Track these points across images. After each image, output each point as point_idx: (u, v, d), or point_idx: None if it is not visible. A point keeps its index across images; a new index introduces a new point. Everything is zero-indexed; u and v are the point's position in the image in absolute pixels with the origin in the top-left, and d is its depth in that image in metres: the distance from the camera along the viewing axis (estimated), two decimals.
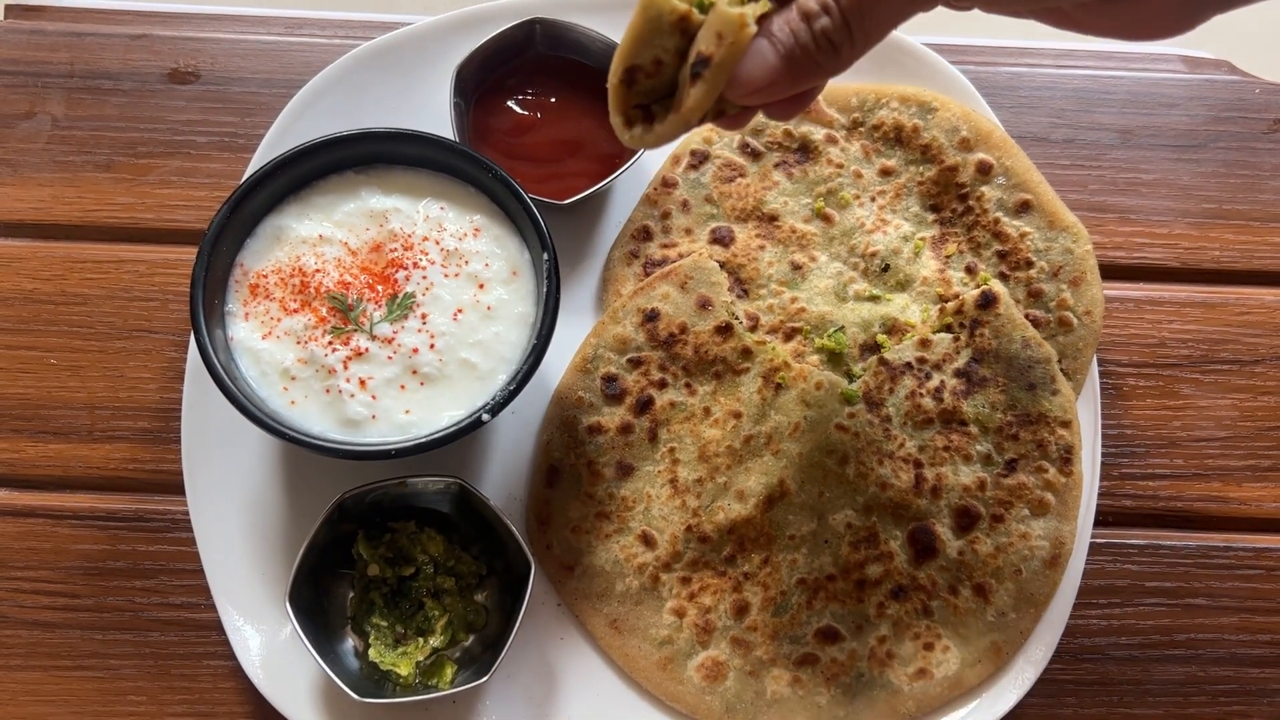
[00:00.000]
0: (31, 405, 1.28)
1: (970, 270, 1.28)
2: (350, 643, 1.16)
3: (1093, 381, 1.26)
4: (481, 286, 1.16)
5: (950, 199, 1.31)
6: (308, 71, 1.36)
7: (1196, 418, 1.33)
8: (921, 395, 1.21)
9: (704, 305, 1.24)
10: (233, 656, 1.15)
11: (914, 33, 1.33)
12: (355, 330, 1.12)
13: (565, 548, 1.20)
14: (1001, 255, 1.28)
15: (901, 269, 1.28)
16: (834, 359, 1.24)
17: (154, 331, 1.31)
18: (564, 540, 1.20)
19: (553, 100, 1.31)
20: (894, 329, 1.25)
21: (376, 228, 1.17)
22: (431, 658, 1.14)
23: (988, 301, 1.22)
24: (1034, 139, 1.43)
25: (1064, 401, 1.21)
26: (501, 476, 1.25)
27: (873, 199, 1.32)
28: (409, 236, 1.17)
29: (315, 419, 1.10)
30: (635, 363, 1.23)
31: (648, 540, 1.19)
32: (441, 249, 1.16)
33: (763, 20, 0.78)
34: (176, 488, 1.21)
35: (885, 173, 1.33)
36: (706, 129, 1.34)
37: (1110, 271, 1.35)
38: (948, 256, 1.29)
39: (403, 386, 1.11)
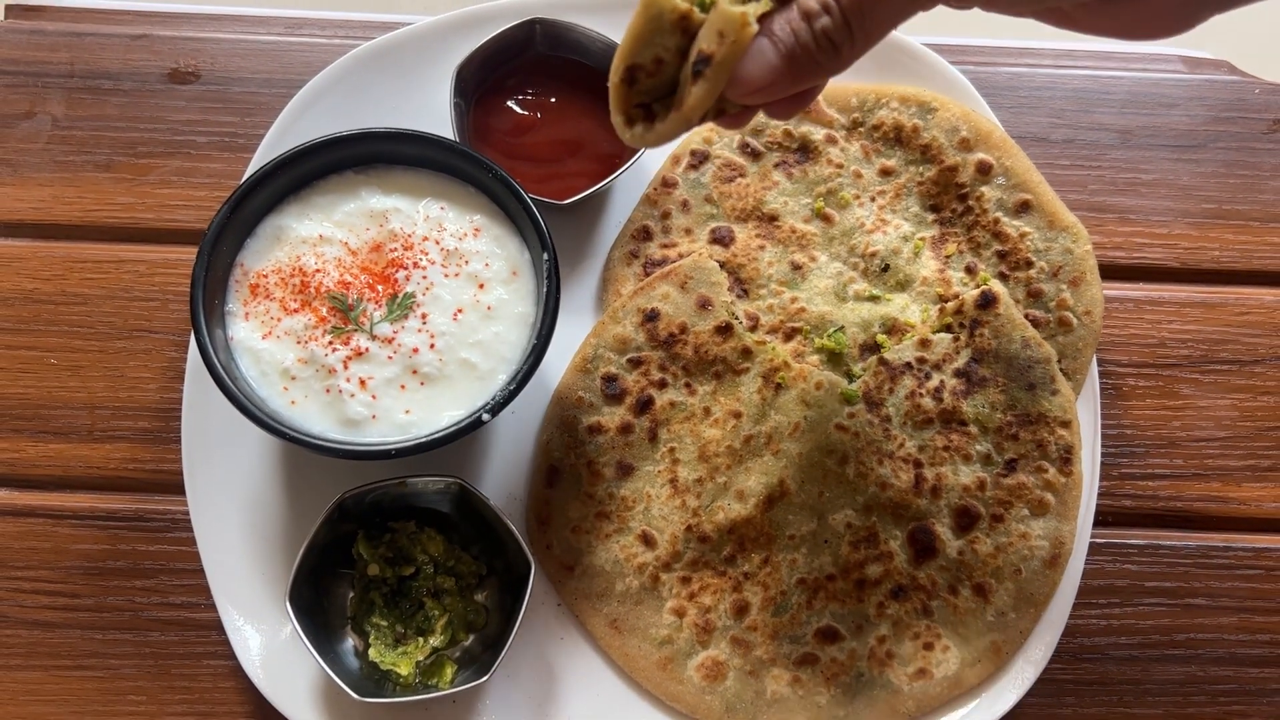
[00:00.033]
0: (31, 405, 1.28)
1: (970, 270, 1.28)
2: (350, 642, 1.16)
3: (1092, 381, 1.26)
4: (481, 286, 1.16)
5: (950, 199, 1.31)
6: (308, 71, 1.36)
7: (1196, 418, 1.33)
8: (921, 395, 1.21)
9: (704, 305, 1.24)
10: (233, 656, 1.15)
11: (914, 33, 1.33)
12: (355, 330, 1.12)
13: (565, 547, 1.20)
14: (1001, 255, 1.28)
15: (901, 269, 1.28)
16: (834, 359, 1.24)
17: (154, 331, 1.31)
18: (564, 540, 1.20)
19: (553, 100, 1.31)
20: (894, 329, 1.25)
21: (376, 228, 1.17)
22: (431, 657, 1.14)
23: (987, 301, 1.22)
24: (1034, 139, 1.43)
25: (1064, 401, 1.21)
26: (501, 476, 1.25)
27: (873, 199, 1.32)
28: (409, 236, 1.17)
29: (315, 419, 1.10)
30: (635, 363, 1.24)
31: (648, 540, 1.19)
32: (441, 249, 1.16)
33: (763, 19, 0.78)
34: (176, 488, 1.21)
35: (885, 173, 1.33)
36: (706, 129, 1.34)
37: (1110, 271, 1.36)
38: (947, 256, 1.29)
39: (403, 386, 1.11)
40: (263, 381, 1.11)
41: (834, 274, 1.29)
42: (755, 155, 1.34)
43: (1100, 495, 1.26)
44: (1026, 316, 1.25)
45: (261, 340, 1.12)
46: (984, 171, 1.30)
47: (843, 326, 1.25)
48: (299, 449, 1.11)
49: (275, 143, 1.30)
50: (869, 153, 1.34)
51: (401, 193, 1.20)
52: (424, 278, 1.15)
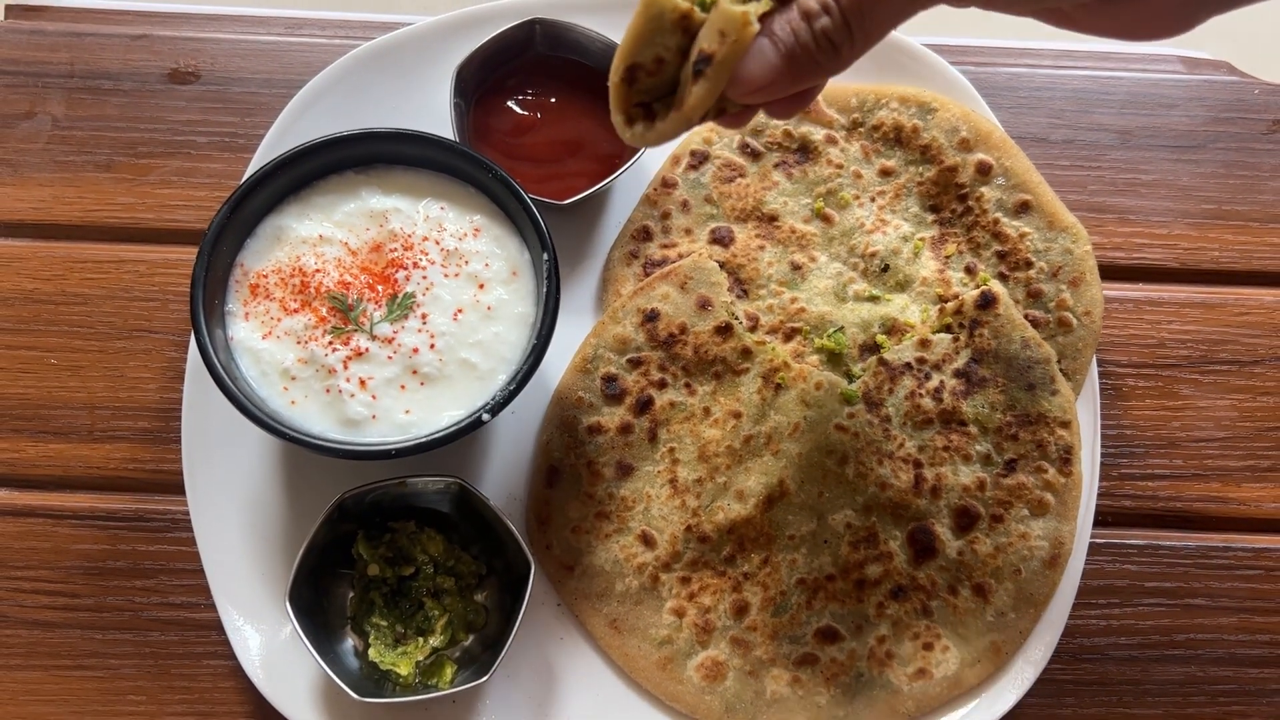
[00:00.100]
0: (31, 405, 1.28)
1: (970, 270, 1.28)
2: (350, 642, 1.16)
3: (1092, 382, 1.26)
4: (481, 286, 1.16)
5: (950, 199, 1.31)
6: (308, 72, 1.36)
7: (1196, 418, 1.33)
8: (921, 395, 1.21)
9: (704, 305, 1.24)
10: (233, 656, 1.15)
11: (914, 33, 1.33)
12: (355, 330, 1.12)
13: (565, 548, 1.20)
14: (1001, 255, 1.28)
15: (901, 269, 1.28)
16: (834, 359, 1.24)
17: (154, 331, 1.31)
18: (564, 540, 1.20)
19: (553, 100, 1.31)
20: (893, 329, 1.25)
21: (377, 228, 1.17)
22: (431, 657, 1.14)
23: (987, 302, 1.22)
24: (1033, 139, 1.43)
25: (1063, 402, 1.22)
26: (501, 476, 1.25)
27: (872, 199, 1.32)
28: (409, 236, 1.17)
29: (315, 419, 1.10)
30: (635, 363, 1.24)
31: (647, 540, 1.19)
32: (441, 249, 1.16)
33: (764, 19, 0.78)
34: (176, 488, 1.21)
35: (885, 173, 1.33)
36: (706, 129, 1.34)
37: (1109, 272, 1.36)
38: (947, 257, 1.29)
39: (403, 386, 1.11)
40: (263, 381, 1.11)
41: (834, 274, 1.29)
42: (755, 155, 1.34)
43: (1100, 495, 1.26)
44: (1026, 317, 1.25)
45: (261, 340, 1.12)
46: (984, 172, 1.30)
47: (842, 327, 1.25)
48: (299, 449, 1.11)
49: (275, 143, 1.30)
50: (869, 153, 1.34)
51: (401, 193, 1.20)
52: (424, 278, 1.15)
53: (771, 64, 0.78)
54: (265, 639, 1.16)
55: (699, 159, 1.33)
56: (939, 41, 1.42)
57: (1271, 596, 1.26)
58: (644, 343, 1.24)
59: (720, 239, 1.30)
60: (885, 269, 1.28)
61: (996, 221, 1.29)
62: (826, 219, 1.31)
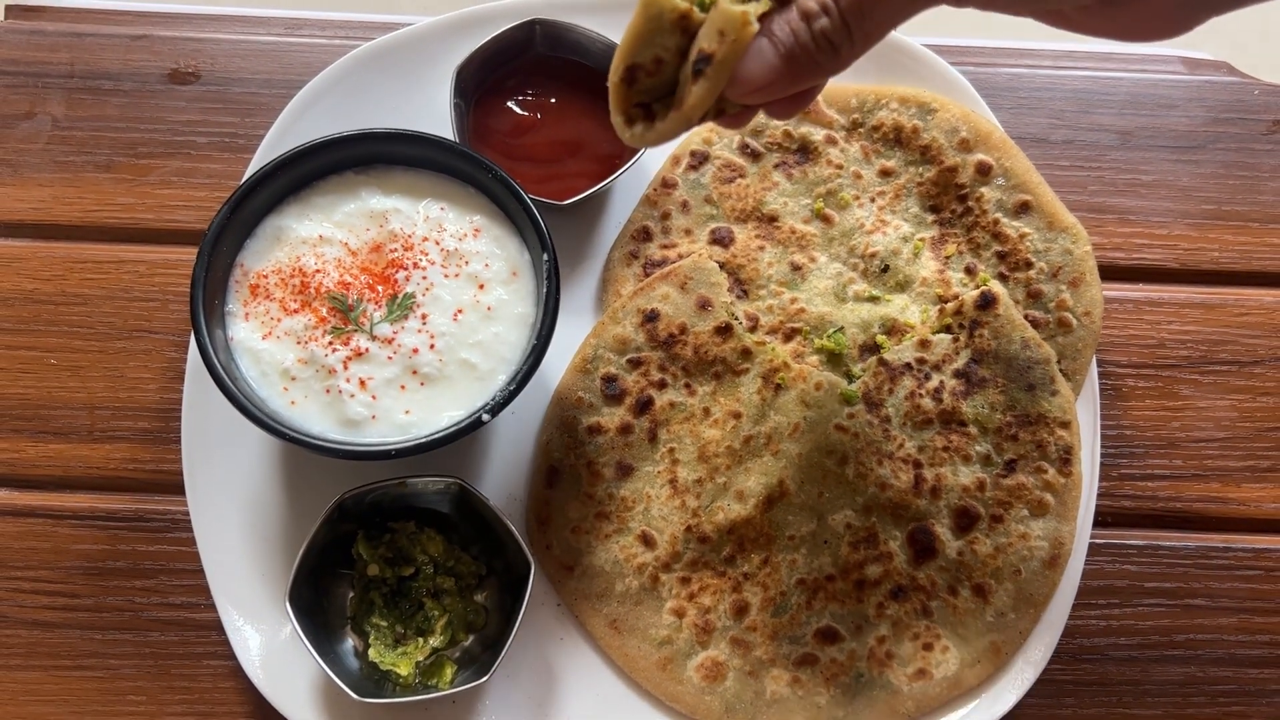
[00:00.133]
0: (31, 405, 1.28)
1: (970, 271, 1.28)
2: (350, 643, 1.16)
3: (1092, 382, 1.26)
4: (481, 287, 1.16)
5: (950, 200, 1.31)
6: (308, 72, 1.36)
7: (1195, 418, 1.33)
8: (921, 396, 1.21)
9: (704, 306, 1.24)
10: (233, 656, 1.16)
11: (914, 33, 1.33)
12: (355, 330, 1.12)
13: (565, 548, 1.20)
14: (1001, 256, 1.28)
15: (901, 270, 1.28)
16: (833, 359, 1.24)
17: (154, 331, 1.31)
18: (564, 540, 1.20)
19: (553, 101, 1.31)
20: (893, 329, 1.25)
21: (376, 228, 1.17)
22: (431, 658, 1.14)
23: (987, 302, 1.22)
24: (1033, 140, 1.43)
25: (1063, 402, 1.22)
26: (501, 477, 1.25)
27: (872, 200, 1.32)
28: (409, 237, 1.17)
29: (315, 419, 1.10)
30: (635, 363, 1.24)
31: (647, 540, 1.19)
32: (441, 249, 1.16)
33: (763, 19, 0.79)
34: (176, 488, 1.21)
35: (885, 173, 1.33)
36: (706, 129, 1.34)
37: (1109, 272, 1.36)
38: (947, 257, 1.29)
39: (403, 387, 1.11)
40: (263, 382, 1.11)
41: (834, 275, 1.29)
42: (755, 156, 1.34)
43: (1100, 496, 1.26)
44: (1026, 317, 1.25)
45: (261, 340, 1.12)
46: (984, 172, 1.30)
47: (842, 327, 1.25)
48: (299, 449, 1.11)
49: (275, 143, 1.30)
50: (869, 153, 1.34)
51: (401, 193, 1.20)
52: (424, 278, 1.15)
53: (771, 64, 0.78)
54: (265, 639, 1.16)
55: (699, 159, 1.33)
56: (939, 42, 1.42)
57: (1271, 597, 1.26)
58: (644, 343, 1.24)
59: (720, 239, 1.30)
60: (885, 269, 1.28)
61: (996, 222, 1.29)
62: (826, 219, 1.31)
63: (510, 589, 1.16)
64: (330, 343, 1.11)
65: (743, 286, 1.29)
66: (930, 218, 1.31)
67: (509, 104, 1.31)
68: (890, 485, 1.18)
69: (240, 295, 1.14)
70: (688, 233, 1.31)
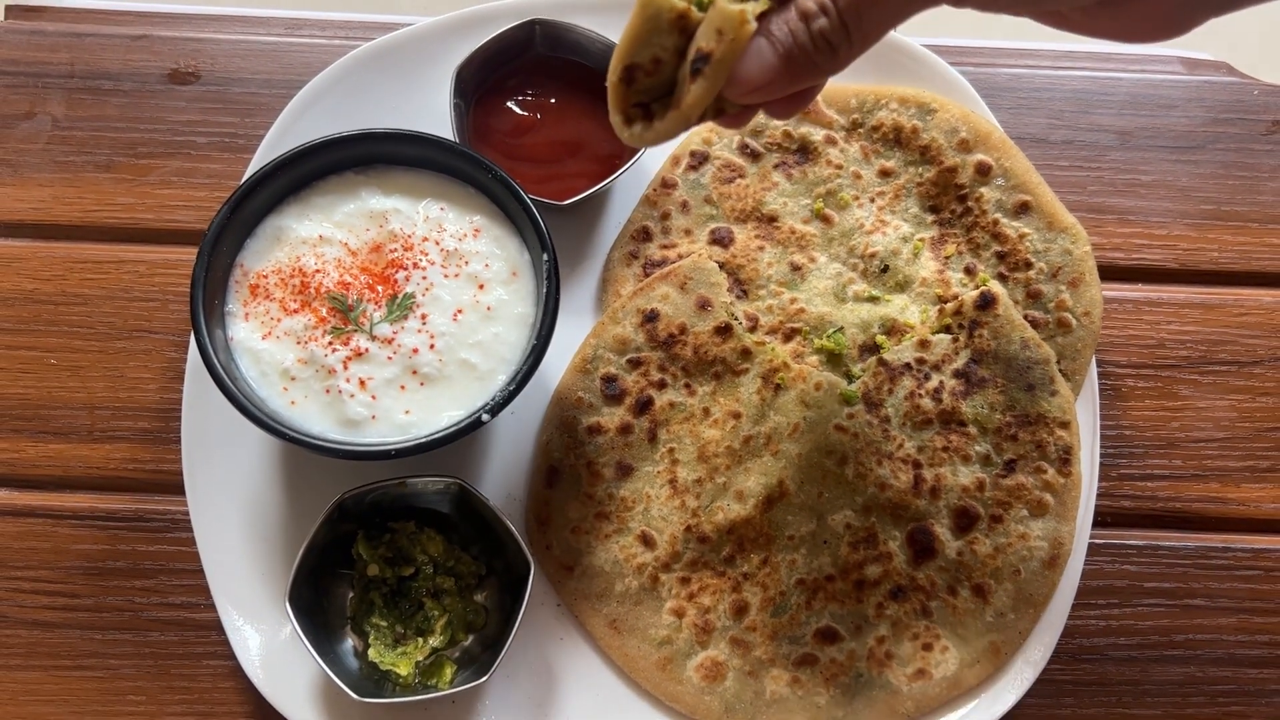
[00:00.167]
0: (31, 405, 1.28)
1: (969, 271, 1.28)
2: (350, 643, 1.16)
3: (1091, 382, 1.26)
4: (481, 287, 1.16)
5: (949, 200, 1.31)
6: (308, 72, 1.36)
7: (1195, 419, 1.33)
8: (920, 396, 1.21)
9: (703, 306, 1.24)
10: (232, 656, 1.16)
11: (913, 34, 1.33)
12: (355, 330, 1.12)
13: (565, 548, 1.20)
14: (1000, 256, 1.29)
15: (901, 270, 1.28)
16: (833, 360, 1.25)
17: (154, 332, 1.32)
18: (563, 540, 1.20)
19: (552, 101, 1.31)
20: (893, 330, 1.25)
21: (376, 228, 1.17)
22: (431, 658, 1.14)
23: (986, 302, 1.22)
24: (1033, 140, 1.43)
25: (1063, 402, 1.22)
26: (501, 477, 1.25)
27: (872, 200, 1.32)
28: (409, 237, 1.17)
29: (315, 419, 1.10)
30: (635, 363, 1.24)
31: (647, 540, 1.19)
32: (441, 249, 1.16)
33: (761, 19, 0.79)
34: (176, 488, 1.22)
35: (884, 174, 1.33)
36: (706, 129, 1.34)
37: (1109, 273, 1.36)
38: (947, 257, 1.30)
39: (402, 387, 1.11)
40: (262, 382, 1.11)
41: (833, 275, 1.29)
42: (755, 156, 1.34)
43: (1099, 496, 1.26)
44: (1025, 317, 1.25)
45: (261, 341, 1.12)
46: (983, 172, 1.30)
47: (842, 327, 1.25)
48: (299, 449, 1.11)
49: (275, 143, 1.30)
50: (868, 154, 1.34)
51: (401, 193, 1.20)
52: (424, 278, 1.15)
53: (769, 64, 0.78)
54: (265, 639, 1.16)
55: (699, 160, 1.33)
56: (938, 42, 1.42)
57: (1270, 597, 1.26)
58: (644, 343, 1.24)
59: (720, 239, 1.30)
60: (885, 269, 1.29)
61: (996, 222, 1.29)
62: (826, 220, 1.31)
63: (510, 589, 1.16)
64: (330, 343, 1.11)
65: (742, 287, 1.29)
66: (930, 218, 1.32)
67: (509, 104, 1.31)
68: (890, 485, 1.18)
69: (240, 295, 1.14)
70: (687, 233, 1.31)
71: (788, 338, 1.26)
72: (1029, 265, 1.27)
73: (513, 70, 1.32)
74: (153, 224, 1.36)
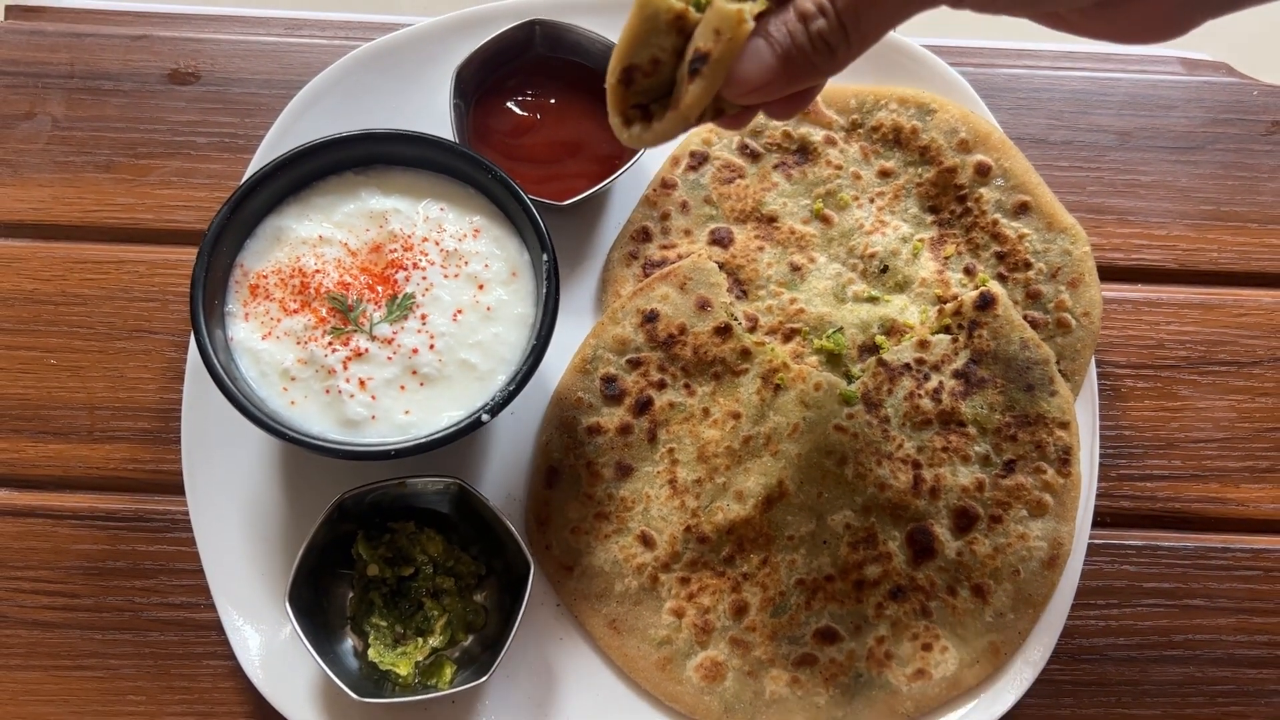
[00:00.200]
0: (31, 405, 1.28)
1: (969, 271, 1.28)
2: (350, 643, 1.16)
3: (1091, 383, 1.26)
4: (481, 287, 1.16)
5: (949, 200, 1.31)
6: (308, 72, 1.36)
7: (1194, 419, 1.33)
8: (920, 396, 1.21)
9: (703, 306, 1.24)
10: (232, 656, 1.16)
11: (913, 34, 1.33)
12: (355, 331, 1.12)
13: (564, 548, 1.20)
14: (1000, 256, 1.29)
15: (900, 270, 1.28)
16: (833, 360, 1.25)
17: (154, 332, 1.32)
18: (563, 541, 1.20)
19: (552, 101, 1.31)
20: (892, 330, 1.25)
21: (376, 228, 1.17)
22: (431, 658, 1.14)
23: (986, 303, 1.23)
24: (1032, 140, 1.43)
25: (1062, 403, 1.22)
26: (501, 477, 1.25)
27: (871, 200, 1.32)
28: (409, 237, 1.17)
29: (315, 419, 1.10)
30: (634, 363, 1.24)
31: (647, 541, 1.19)
32: (441, 250, 1.17)
33: (760, 20, 0.79)
34: (176, 488, 1.22)
35: (884, 174, 1.33)
36: (706, 130, 1.35)
37: (1108, 273, 1.36)
38: (946, 258, 1.30)
39: (402, 387, 1.11)
40: (262, 382, 1.11)
41: (833, 275, 1.29)
42: (754, 156, 1.34)
43: (1098, 496, 1.26)
44: (1025, 318, 1.25)
45: (261, 341, 1.12)
46: (983, 173, 1.30)
47: (841, 328, 1.25)
48: (299, 449, 1.11)
49: (275, 143, 1.30)
50: (868, 154, 1.34)
51: (401, 194, 1.20)
52: (423, 278, 1.15)
53: (768, 65, 0.78)
54: (265, 639, 1.16)
55: (698, 160, 1.33)
56: (938, 43, 1.42)
57: (1270, 597, 1.26)
58: (643, 343, 1.24)
59: (719, 240, 1.30)
60: (884, 270, 1.29)
61: (995, 222, 1.29)
62: (826, 220, 1.31)
63: (509, 589, 1.16)
64: (330, 343, 1.11)
65: (742, 287, 1.29)
66: (929, 218, 1.32)
67: (509, 104, 1.31)
68: (889, 485, 1.18)
69: (240, 295, 1.14)
70: (687, 233, 1.31)
71: (787, 338, 1.26)
72: (1028, 265, 1.28)
73: (512, 71, 1.32)
74: (152, 224, 1.36)
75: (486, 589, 1.20)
